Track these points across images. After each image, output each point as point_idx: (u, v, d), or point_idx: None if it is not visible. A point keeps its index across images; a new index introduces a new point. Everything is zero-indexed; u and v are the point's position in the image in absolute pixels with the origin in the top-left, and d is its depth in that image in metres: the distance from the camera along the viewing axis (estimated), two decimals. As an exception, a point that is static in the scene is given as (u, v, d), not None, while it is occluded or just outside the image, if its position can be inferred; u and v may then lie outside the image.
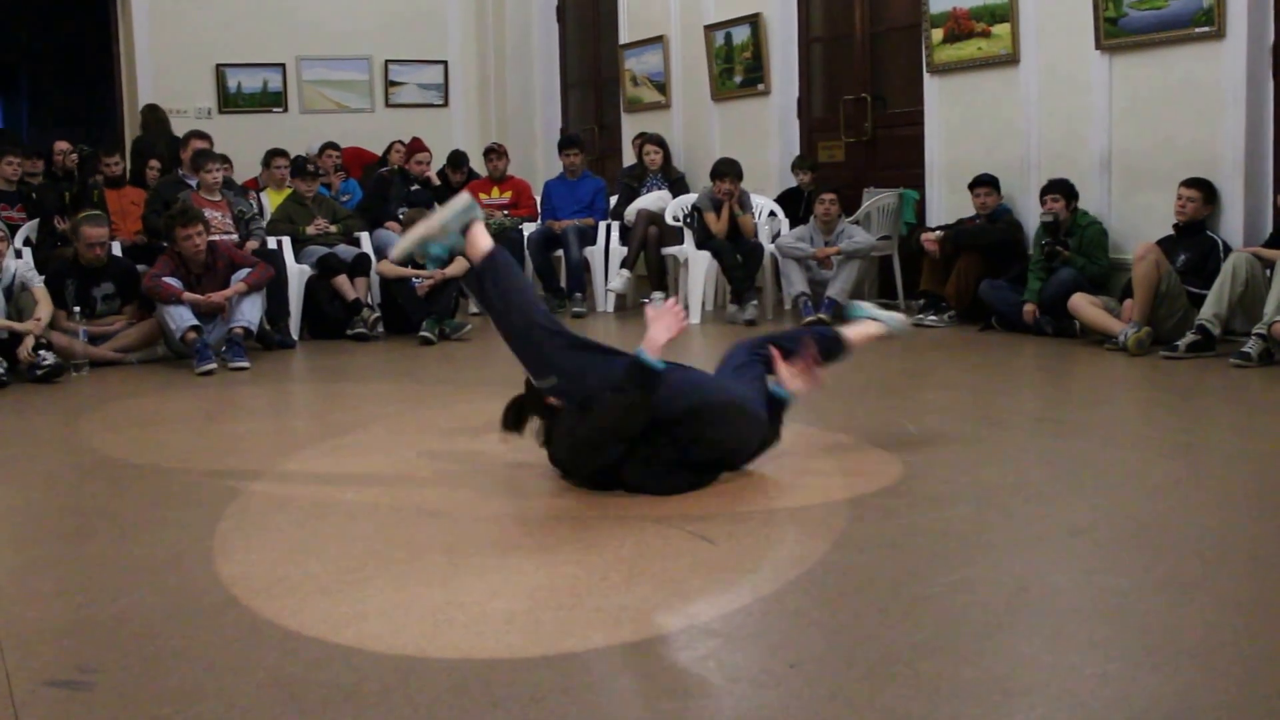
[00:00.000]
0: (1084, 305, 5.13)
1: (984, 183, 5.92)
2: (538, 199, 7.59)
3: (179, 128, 8.00)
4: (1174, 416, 3.89)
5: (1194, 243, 4.98)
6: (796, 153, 7.43)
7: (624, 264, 6.98)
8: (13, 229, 5.94)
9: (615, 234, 7.19)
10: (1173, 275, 4.89)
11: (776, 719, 1.65)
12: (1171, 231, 5.08)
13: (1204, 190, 5.00)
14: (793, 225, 6.72)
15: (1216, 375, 4.34)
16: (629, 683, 1.81)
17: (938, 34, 6.31)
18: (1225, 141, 5.06)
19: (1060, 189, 5.41)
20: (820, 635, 1.97)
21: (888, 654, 1.86)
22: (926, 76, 6.46)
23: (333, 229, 6.64)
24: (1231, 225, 5.06)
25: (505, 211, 7.37)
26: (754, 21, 7.48)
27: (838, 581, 2.23)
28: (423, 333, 5.86)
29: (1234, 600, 2.08)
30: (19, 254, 5.69)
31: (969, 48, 6.18)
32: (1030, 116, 5.92)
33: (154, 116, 8.26)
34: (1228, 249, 4.88)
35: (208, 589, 2.28)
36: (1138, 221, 5.42)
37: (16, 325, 4.97)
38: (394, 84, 10.02)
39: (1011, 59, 5.96)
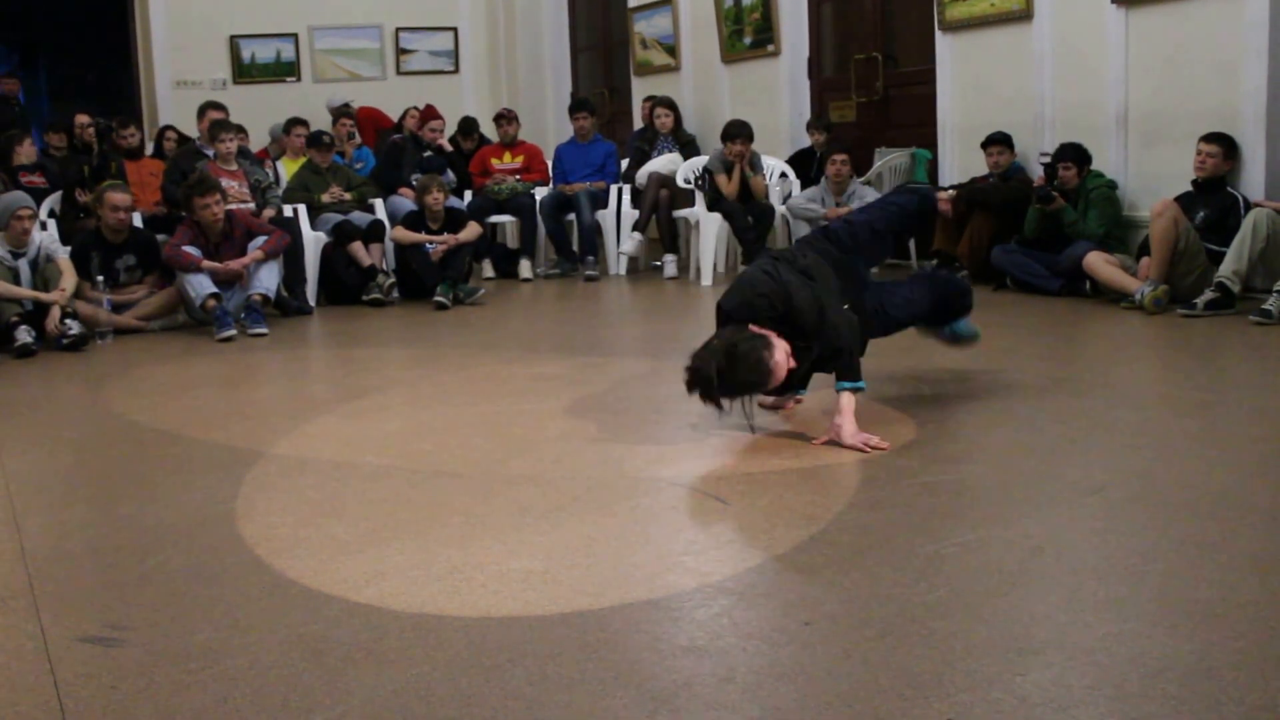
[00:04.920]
0: (1100, 263, 5.09)
1: (997, 141, 5.86)
2: (549, 163, 7.57)
3: (195, 99, 8.03)
4: (1192, 375, 3.87)
5: (1213, 199, 4.92)
6: (807, 113, 7.37)
7: (635, 227, 6.97)
8: (34, 194, 6.02)
9: (627, 197, 7.18)
10: (1191, 232, 4.84)
11: (790, 677, 1.68)
12: (1190, 188, 5.02)
13: (1224, 145, 4.93)
14: (804, 186, 6.68)
15: (1236, 333, 4.31)
16: (644, 640, 1.84)
17: (951, -10, 6.21)
18: (1246, 95, 4.98)
19: (1072, 155, 5.37)
20: (834, 594, 1.99)
21: (902, 613, 1.88)
22: (938, 34, 6.37)
23: (348, 196, 6.66)
24: (1252, 181, 4.99)
25: (517, 176, 7.36)
26: (764, -19, 7.38)
27: (852, 541, 2.25)
28: (437, 297, 5.89)
29: (1251, 560, 2.07)
30: (44, 226, 5.78)
31: (981, 4, 6.08)
32: (1044, 73, 5.84)
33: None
34: (1248, 205, 4.82)
35: (232, 549, 2.32)
36: (1155, 178, 5.35)
37: (43, 296, 5.07)
38: (405, 51, 9.98)
39: (1025, 14, 5.86)
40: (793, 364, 2.91)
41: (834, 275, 3.09)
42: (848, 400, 2.92)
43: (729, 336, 2.88)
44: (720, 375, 2.82)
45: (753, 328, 2.90)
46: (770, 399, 3.36)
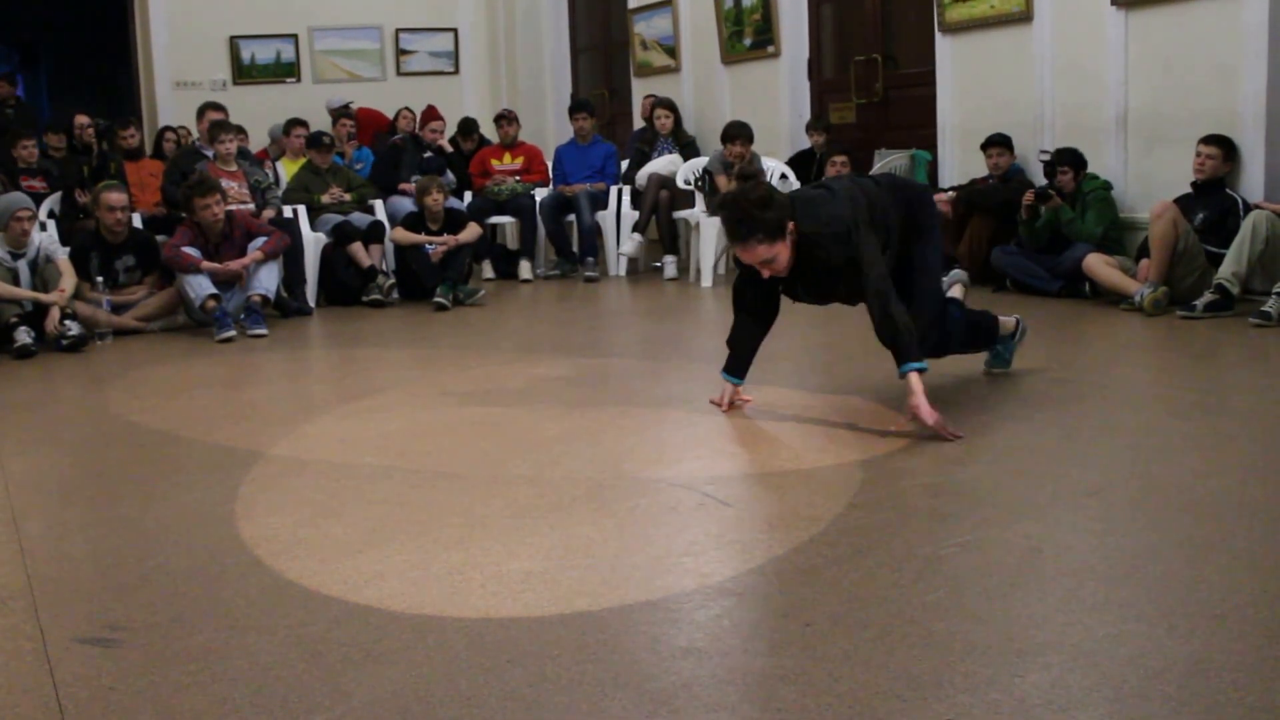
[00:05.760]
0: (1099, 265, 5.10)
1: (996, 143, 5.87)
2: (549, 164, 7.58)
3: (195, 100, 8.04)
4: (1190, 377, 3.87)
5: (1213, 201, 4.93)
6: (807, 115, 7.38)
7: (635, 228, 6.98)
8: (35, 198, 6.03)
9: (626, 198, 7.18)
10: (1190, 234, 4.85)
11: (790, 678, 1.68)
12: (1189, 190, 5.02)
13: (1223, 147, 4.94)
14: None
15: (1235, 335, 4.31)
16: (643, 641, 1.84)
17: (951, -9, 6.22)
18: (1245, 97, 4.98)
19: (1069, 160, 5.37)
20: (833, 595, 1.99)
21: (901, 614, 1.88)
22: (938, 35, 6.37)
23: (347, 197, 6.67)
24: (1252, 183, 4.99)
25: (517, 177, 7.36)
26: (764, -18, 7.39)
27: (851, 542, 2.25)
28: (437, 298, 5.89)
29: (1250, 561, 2.08)
30: (43, 227, 5.78)
31: (981, 5, 6.09)
32: (1044, 75, 5.84)
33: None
34: (1247, 207, 4.82)
35: (231, 550, 2.32)
36: (1155, 180, 5.36)
37: (43, 296, 5.07)
38: (405, 52, 9.98)
39: (1025, 16, 5.87)
40: (779, 268, 2.98)
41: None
42: (916, 381, 2.93)
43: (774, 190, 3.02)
44: (743, 178, 2.99)
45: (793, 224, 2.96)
46: (723, 399, 3.32)
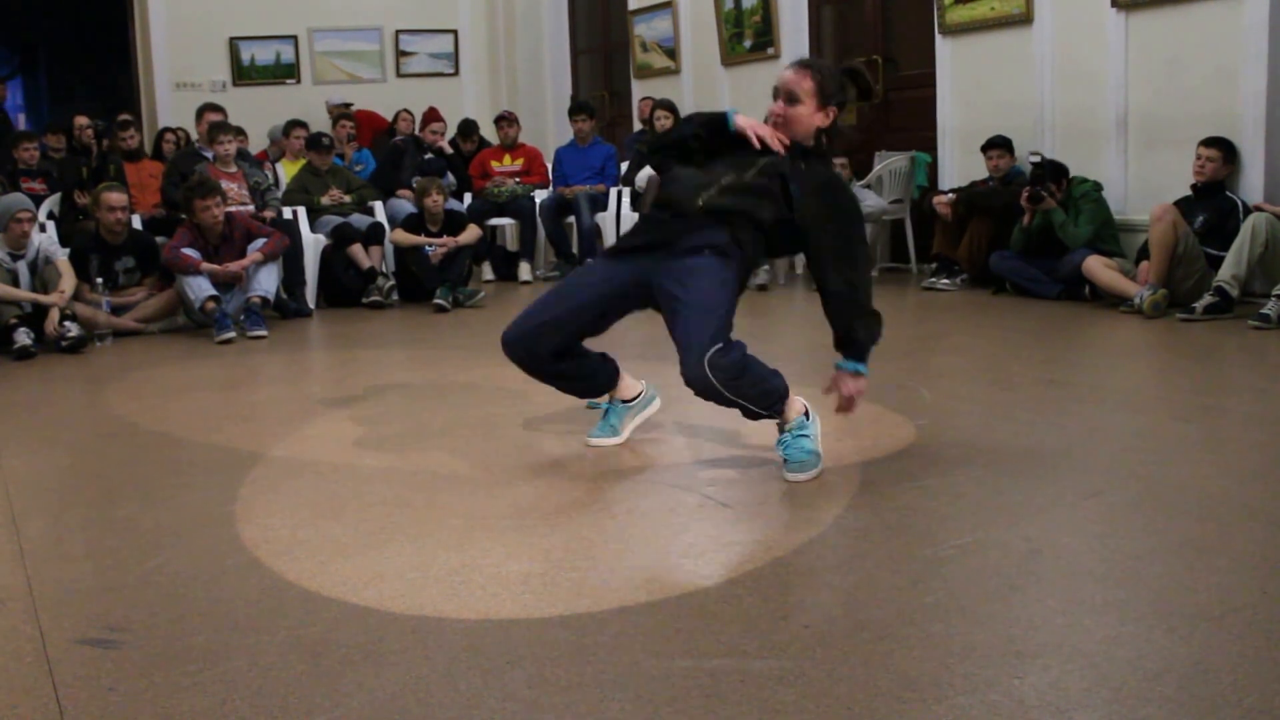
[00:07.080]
0: (1099, 268, 5.11)
1: (996, 145, 5.88)
2: (549, 166, 7.59)
3: (194, 101, 8.06)
4: (1190, 379, 3.87)
5: (1213, 203, 4.93)
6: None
7: (636, 230, 6.98)
8: (34, 199, 6.04)
9: (626, 200, 7.19)
10: (1190, 236, 4.85)
11: (788, 679, 1.68)
12: (1189, 192, 5.03)
13: (1223, 150, 4.95)
14: (806, 190, 6.68)
15: (1234, 337, 4.32)
16: (643, 643, 1.84)
17: (952, -6, 6.23)
18: (1245, 99, 4.99)
19: (1053, 173, 5.38)
20: (832, 597, 1.99)
21: (900, 616, 1.88)
22: (938, 37, 6.38)
23: (347, 199, 6.67)
24: (1252, 185, 5.00)
25: (517, 179, 7.37)
26: (765, -16, 7.40)
27: (850, 544, 2.25)
28: (437, 300, 5.90)
29: (1249, 563, 2.08)
30: (43, 228, 5.79)
31: (981, 7, 6.10)
32: (1044, 77, 5.85)
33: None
34: (1247, 209, 4.83)
35: (231, 551, 2.32)
36: (1155, 182, 5.36)
37: (42, 298, 5.07)
38: (405, 54, 10.00)
39: (1025, 18, 5.88)
40: (791, 117, 2.72)
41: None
42: (850, 380, 2.72)
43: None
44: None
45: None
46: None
